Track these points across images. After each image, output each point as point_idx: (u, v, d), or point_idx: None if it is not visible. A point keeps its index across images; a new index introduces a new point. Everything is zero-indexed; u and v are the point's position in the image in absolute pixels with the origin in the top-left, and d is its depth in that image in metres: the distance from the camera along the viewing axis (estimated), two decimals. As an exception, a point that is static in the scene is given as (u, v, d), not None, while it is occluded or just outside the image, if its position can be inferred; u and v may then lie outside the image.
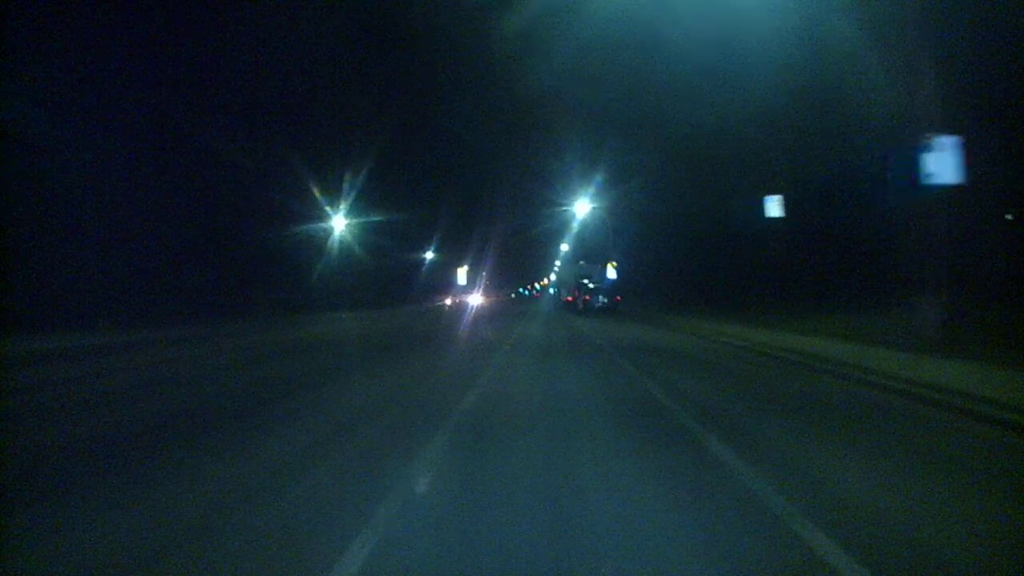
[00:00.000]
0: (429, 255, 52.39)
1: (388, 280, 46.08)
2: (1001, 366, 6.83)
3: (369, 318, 27.28)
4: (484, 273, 55.20)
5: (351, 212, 33.75)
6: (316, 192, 30.19)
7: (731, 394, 6.49)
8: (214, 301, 26.10)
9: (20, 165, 18.90)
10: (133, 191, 23.58)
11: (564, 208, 35.59)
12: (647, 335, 14.45)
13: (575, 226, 40.14)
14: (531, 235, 56.69)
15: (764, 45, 15.05)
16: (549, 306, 44.43)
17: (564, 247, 53.51)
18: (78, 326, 17.78)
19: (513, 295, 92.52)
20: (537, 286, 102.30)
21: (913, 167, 8.55)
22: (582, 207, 33.91)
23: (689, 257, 29.22)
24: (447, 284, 56.03)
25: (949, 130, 8.43)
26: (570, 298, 39.02)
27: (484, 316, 29.05)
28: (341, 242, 34.23)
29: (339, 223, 33.41)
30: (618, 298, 29.67)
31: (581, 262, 37.95)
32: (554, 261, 73.46)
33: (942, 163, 8.40)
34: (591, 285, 32.07)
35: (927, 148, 8.46)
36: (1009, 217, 15.51)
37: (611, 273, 30.17)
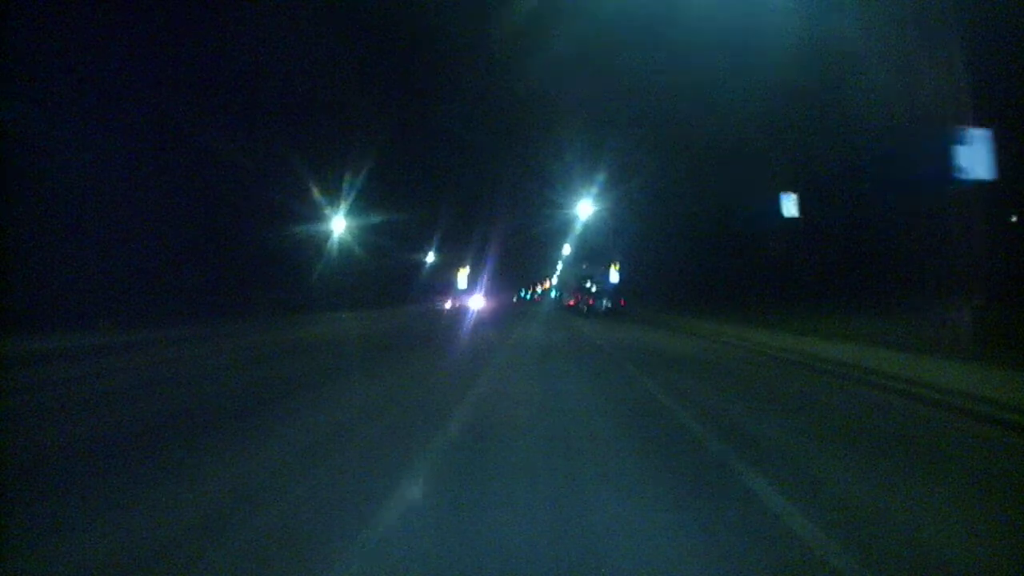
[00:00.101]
0: (429, 256, 52.42)
1: (388, 280, 46.05)
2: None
3: (369, 318, 27.28)
4: (484, 275, 55.18)
5: (351, 212, 33.77)
6: (316, 192, 30.22)
7: (775, 418, 5.15)
8: (214, 301, 26.07)
9: (20, 165, 18.89)
10: (133, 191, 23.54)
11: (565, 210, 35.60)
12: (656, 339, 14.43)
13: (577, 227, 40.15)
14: (532, 236, 56.67)
15: (768, 41, 14.85)
16: (551, 309, 44.43)
17: (566, 249, 53.52)
18: (78, 326, 17.77)
19: (514, 298, 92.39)
20: (538, 289, 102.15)
21: (944, 161, 7.98)
22: (584, 208, 33.89)
23: (690, 257, 29.20)
24: (447, 285, 56.00)
25: (978, 122, 7.89)
26: (572, 302, 38.95)
27: (484, 318, 29.04)
28: (341, 242, 34.25)
29: (339, 223, 33.42)
30: (622, 301, 29.55)
31: (584, 264, 37.91)
32: (555, 263, 73.45)
33: (974, 157, 7.85)
34: (594, 288, 32.02)
35: (958, 141, 7.86)
36: (1014, 219, 15.38)
37: (613, 276, 30.14)
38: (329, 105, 37.99)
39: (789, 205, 18.35)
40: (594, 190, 31.73)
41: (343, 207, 32.80)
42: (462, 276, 54.93)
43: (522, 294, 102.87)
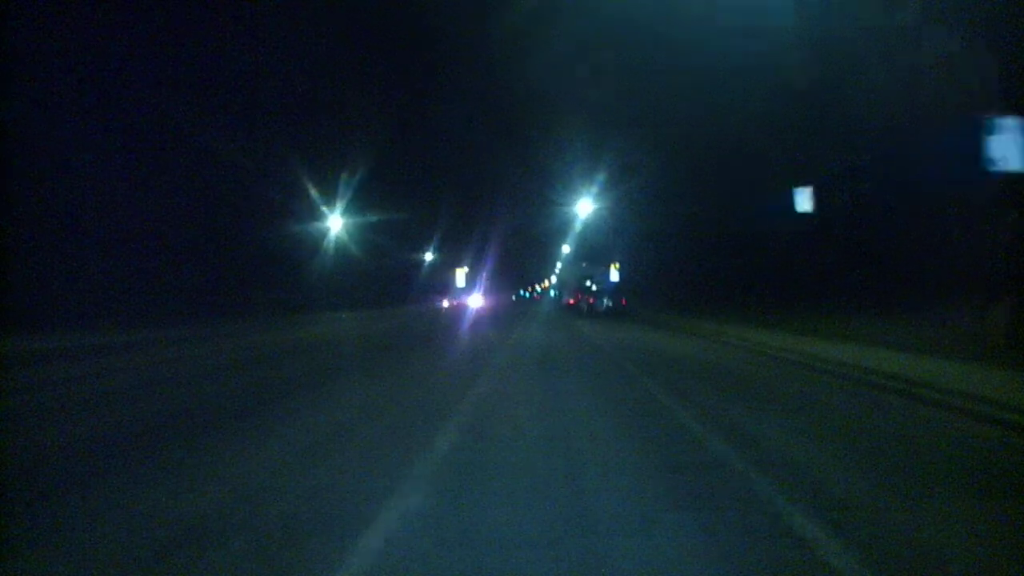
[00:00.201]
0: (428, 255, 52.42)
1: (388, 280, 46.07)
2: None
3: (369, 318, 27.29)
4: (484, 274, 55.21)
5: (351, 212, 33.79)
6: (316, 192, 30.23)
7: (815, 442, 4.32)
8: (214, 301, 26.07)
9: (20, 165, 18.89)
10: (133, 191, 23.56)
11: (565, 208, 35.47)
12: (656, 339, 14.43)
13: (577, 226, 40.05)
14: (531, 236, 56.68)
15: (776, 35, 14.42)
16: (550, 308, 44.42)
17: (565, 248, 53.42)
18: (78, 326, 17.76)
19: (513, 297, 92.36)
20: (538, 288, 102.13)
21: (976, 152, 7.45)
22: (584, 207, 33.77)
23: (690, 257, 29.17)
24: (446, 284, 56.00)
25: (1010, 111, 7.26)
26: (572, 301, 38.90)
27: (484, 317, 29.04)
28: (340, 242, 34.26)
29: (338, 223, 33.44)
30: (623, 301, 29.49)
31: (583, 263, 37.82)
32: (554, 263, 73.36)
33: (1008, 148, 7.32)
34: (594, 287, 31.94)
35: (990, 130, 7.36)
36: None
37: (613, 275, 30.08)
38: (329, 105, 38.03)
39: (803, 200, 16.76)
40: (594, 189, 31.65)
41: (343, 207, 32.82)
42: (461, 275, 54.92)
43: (521, 293, 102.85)
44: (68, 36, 21.58)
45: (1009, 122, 7.40)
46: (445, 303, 50.09)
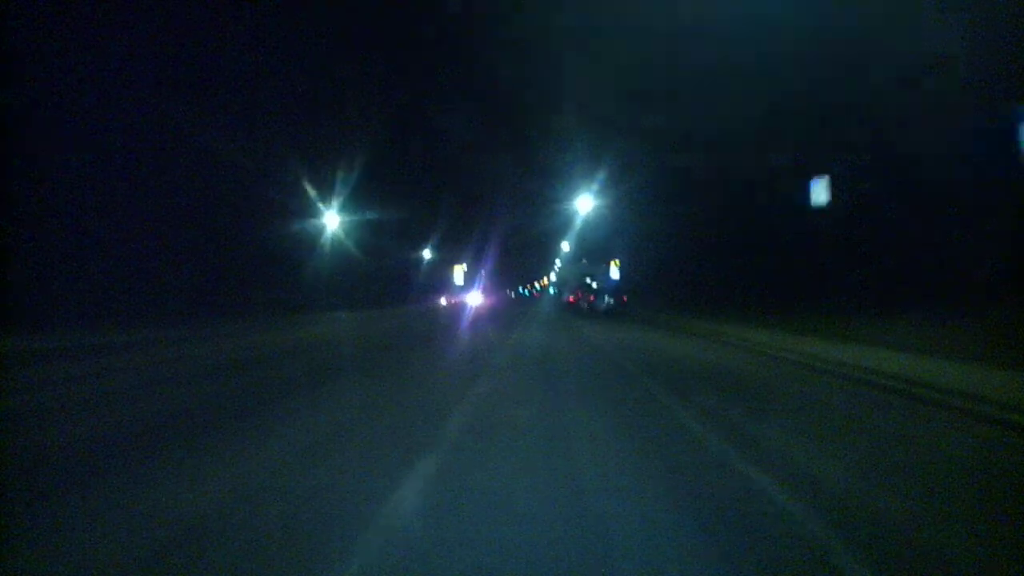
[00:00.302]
0: (428, 254, 52.43)
1: (387, 280, 46.05)
2: None
3: (369, 318, 27.28)
4: (483, 272, 55.25)
5: (350, 212, 33.79)
6: (315, 192, 30.24)
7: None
8: (214, 301, 26.06)
9: (21, 165, 18.89)
10: (133, 191, 23.56)
11: (565, 205, 35.39)
12: (656, 339, 14.42)
13: (577, 223, 39.98)
14: (531, 234, 56.63)
15: (788, 21, 14.04)
16: (550, 307, 44.40)
17: (565, 246, 53.40)
18: (78, 325, 17.76)
19: (513, 295, 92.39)
20: (537, 286, 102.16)
21: (1013, 143, 7.03)
22: (584, 204, 33.68)
23: (690, 256, 29.13)
24: (446, 283, 56.02)
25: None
26: (572, 299, 38.89)
27: (483, 316, 29.03)
28: (340, 242, 34.25)
29: (338, 223, 33.44)
30: (624, 299, 29.47)
31: (583, 261, 37.73)
32: (554, 261, 73.39)
33: None
34: (595, 285, 31.86)
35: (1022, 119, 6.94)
36: None
37: (614, 273, 30.02)
38: (329, 105, 37.99)
39: (819, 191, 15.52)
40: (594, 187, 31.61)
41: (342, 207, 32.83)
42: (460, 273, 54.96)
43: (521, 291, 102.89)
44: (68, 36, 21.57)
45: None
46: (443, 301, 50.12)
